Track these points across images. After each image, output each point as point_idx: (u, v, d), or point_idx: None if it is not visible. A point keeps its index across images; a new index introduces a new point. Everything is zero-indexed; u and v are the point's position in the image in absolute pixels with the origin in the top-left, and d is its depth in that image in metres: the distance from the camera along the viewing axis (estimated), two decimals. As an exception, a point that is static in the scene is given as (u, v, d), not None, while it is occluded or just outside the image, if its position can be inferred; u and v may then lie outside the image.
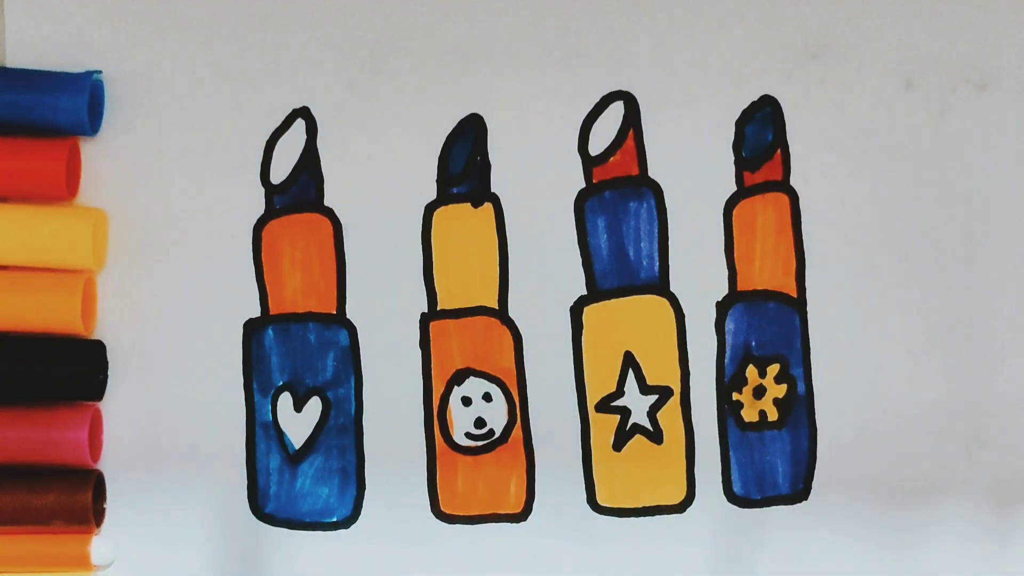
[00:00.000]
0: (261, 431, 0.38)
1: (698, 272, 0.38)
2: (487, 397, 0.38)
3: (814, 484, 0.38)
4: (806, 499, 0.38)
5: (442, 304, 0.38)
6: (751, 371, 0.38)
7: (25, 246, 0.36)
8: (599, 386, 0.38)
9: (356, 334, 0.38)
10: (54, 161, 0.36)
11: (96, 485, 0.37)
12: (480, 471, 0.38)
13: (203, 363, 0.37)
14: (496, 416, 0.38)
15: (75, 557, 0.37)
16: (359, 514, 0.38)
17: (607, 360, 0.38)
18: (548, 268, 0.38)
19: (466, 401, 0.38)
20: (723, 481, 0.38)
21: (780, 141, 0.38)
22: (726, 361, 0.38)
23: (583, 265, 0.38)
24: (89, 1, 0.37)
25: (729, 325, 0.38)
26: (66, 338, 0.37)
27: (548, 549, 0.37)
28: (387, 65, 0.38)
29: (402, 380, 0.38)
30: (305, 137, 0.38)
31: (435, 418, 0.38)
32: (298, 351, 0.38)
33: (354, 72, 0.38)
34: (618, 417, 0.38)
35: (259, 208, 0.38)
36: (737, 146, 0.38)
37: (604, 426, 0.38)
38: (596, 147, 0.38)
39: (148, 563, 0.37)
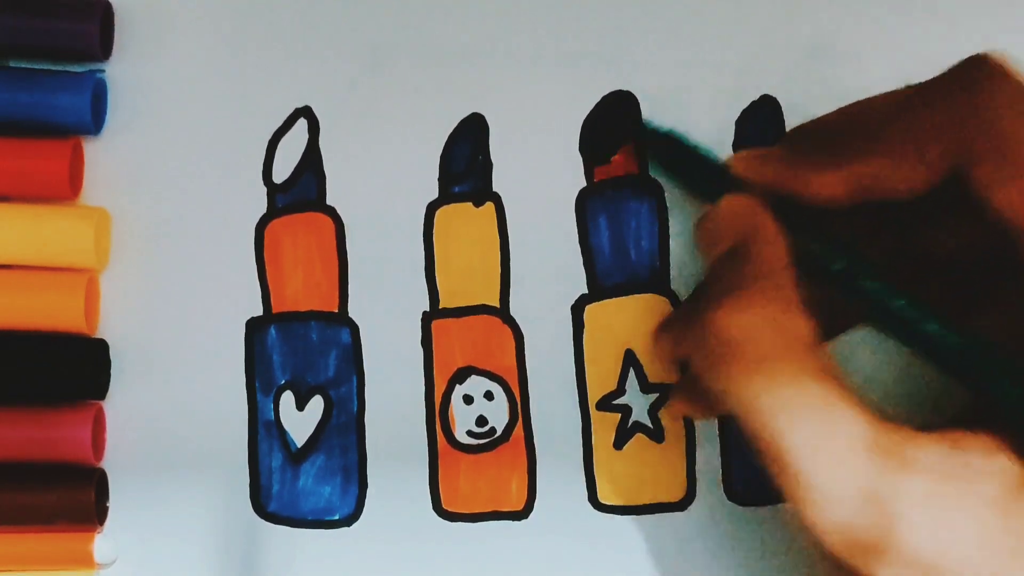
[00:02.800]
0: (263, 430, 0.38)
1: (698, 270, 0.38)
2: (488, 395, 0.38)
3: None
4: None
5: (444, 303, 0.38)
6: (751, 369, 0.38)
7: (28, 245, 0.36)
8: (600, 384, 0.38)
9: (358, 333, 0.38)
10: (57, 161, 0.36)
11: (99, 484, 0.37)
12: (482, 469, 0.38)
13: (206, 362, 0.38)
14: (498, 414, 0.38)
15: (78, 555, 0.37)
16: (361, 512, 0.38)
17: (608, 358, 0.38)
18: (549, 267, 0.38)
19: (468, 399, 0.38)
20: (724, 479, 0.38)
21: (780, 141, 0.38)
22: (726, 359, 0.38)
23: (584, 264, 0.38)
24: (92, 1, 0.37)
25: (729, 323, 0.38)
26: (69, 337, 0.37)
27: (549, 546, 0.37)
28: (389, 65, 0.38)
29: (404, 379, 0.38)
30: (307, 136, 0.38)
31: (437, 416, 0.38)
32: (300, 350, 0.38)
33: (356, 72, 0.38)
34: (619, 415, 0.38)
35: (261, 207, 0.38)
36: (737, 146, 0.38)
37: (605, 424, 0.38)
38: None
39: (151, 561, 0.37)
